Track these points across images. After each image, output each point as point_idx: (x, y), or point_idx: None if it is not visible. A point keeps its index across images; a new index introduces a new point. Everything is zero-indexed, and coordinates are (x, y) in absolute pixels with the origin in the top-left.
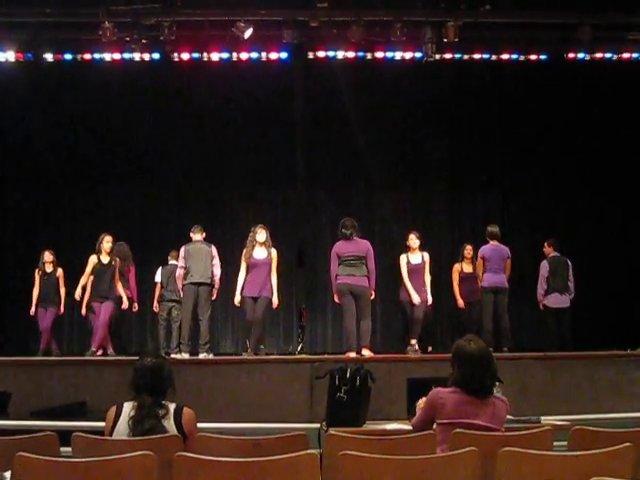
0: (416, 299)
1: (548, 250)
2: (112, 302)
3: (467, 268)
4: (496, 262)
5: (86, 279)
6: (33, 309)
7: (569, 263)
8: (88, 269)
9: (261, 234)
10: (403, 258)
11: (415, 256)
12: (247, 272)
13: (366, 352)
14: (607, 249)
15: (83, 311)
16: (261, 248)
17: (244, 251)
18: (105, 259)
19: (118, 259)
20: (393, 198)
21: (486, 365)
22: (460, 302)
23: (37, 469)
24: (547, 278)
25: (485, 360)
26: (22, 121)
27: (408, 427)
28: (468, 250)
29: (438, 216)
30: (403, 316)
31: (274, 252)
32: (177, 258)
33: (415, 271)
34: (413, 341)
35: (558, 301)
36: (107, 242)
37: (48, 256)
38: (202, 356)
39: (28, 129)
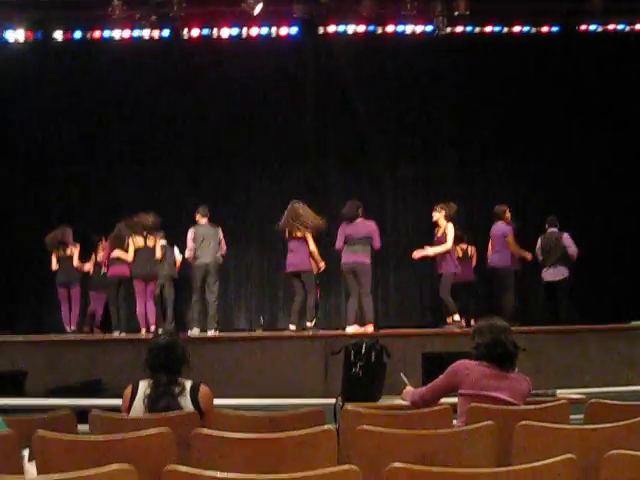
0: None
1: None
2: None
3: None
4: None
5: (130, 258)
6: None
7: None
8: (131, 248)
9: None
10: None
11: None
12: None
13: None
14: (619, 222)
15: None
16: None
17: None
18: (148, 242)
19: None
20: (405, 172)
21: (507, 333)
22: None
23: (56, 447)
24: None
25: (506, 329)
26: (33, 100)
27: None
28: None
29: (451, 189)
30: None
31: None
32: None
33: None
34: (457, 316)
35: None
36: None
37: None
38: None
39: (38, 108)
